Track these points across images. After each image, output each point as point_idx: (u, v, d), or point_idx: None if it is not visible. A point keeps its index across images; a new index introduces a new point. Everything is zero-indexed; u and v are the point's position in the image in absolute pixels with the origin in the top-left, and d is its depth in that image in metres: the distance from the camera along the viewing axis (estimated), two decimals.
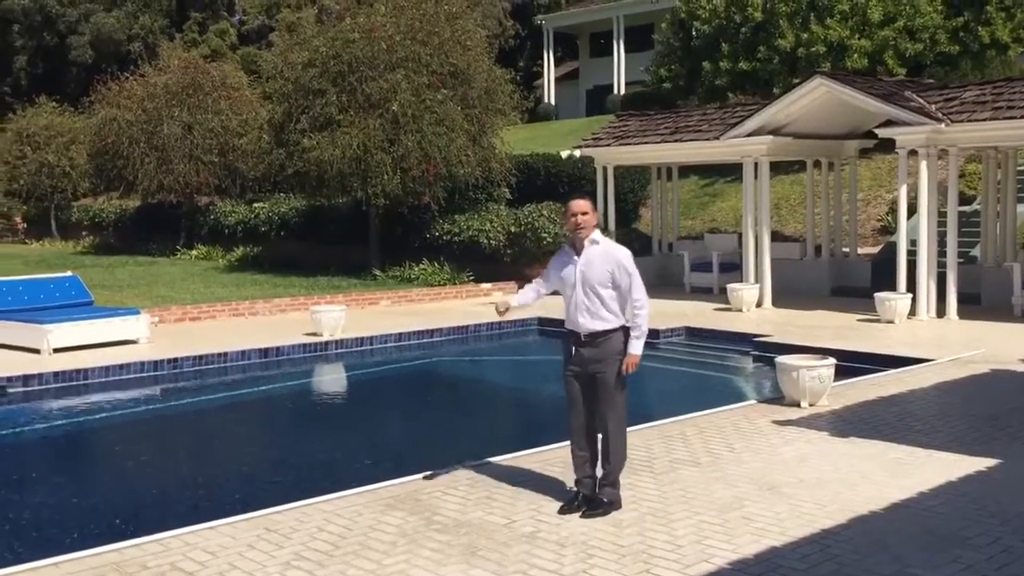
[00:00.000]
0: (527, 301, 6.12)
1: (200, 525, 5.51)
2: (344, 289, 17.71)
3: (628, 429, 7.62)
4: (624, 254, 5.66)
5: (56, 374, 10.63)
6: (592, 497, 5.65)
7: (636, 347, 5.62)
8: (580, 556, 4.93)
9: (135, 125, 25.90)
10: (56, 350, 11.56)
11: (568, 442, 5.84)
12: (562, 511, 5.60)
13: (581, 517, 5.52)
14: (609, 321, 5.61)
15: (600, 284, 5.59)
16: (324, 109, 18.71)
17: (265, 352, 12.20)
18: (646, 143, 17.55)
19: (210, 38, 47.05)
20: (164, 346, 12.14)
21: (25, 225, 37.42)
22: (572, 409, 5.75)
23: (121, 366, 11.07)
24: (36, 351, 11.59)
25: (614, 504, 5.64)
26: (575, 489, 5.75)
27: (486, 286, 18.13)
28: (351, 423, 9.86)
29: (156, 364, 11.33)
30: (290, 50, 20.48)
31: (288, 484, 7.22)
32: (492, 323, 14.67)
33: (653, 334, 13.33)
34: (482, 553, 5.00)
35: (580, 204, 5.65)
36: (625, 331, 5.64)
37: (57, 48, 49.01)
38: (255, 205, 25.53)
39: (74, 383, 10.66)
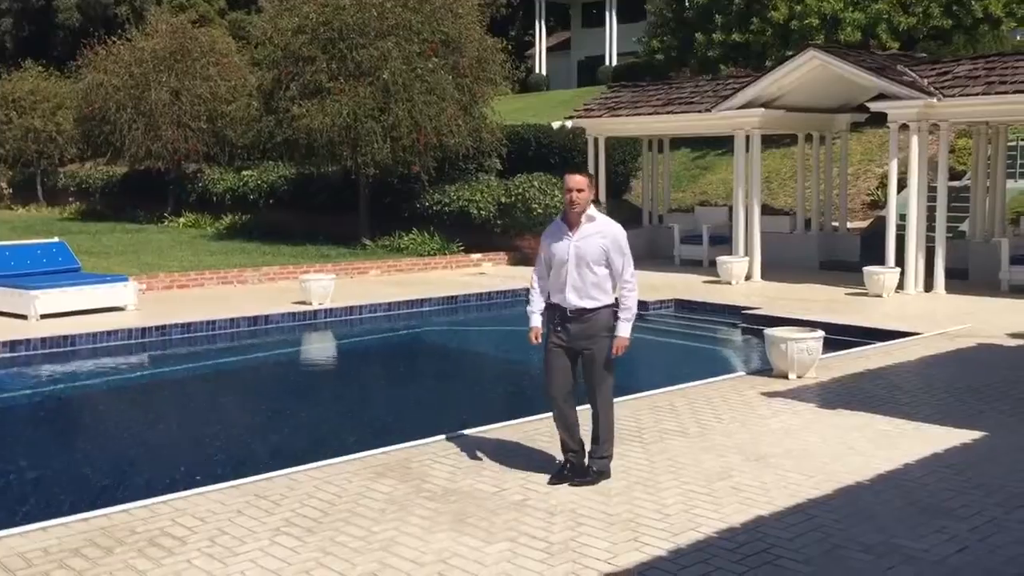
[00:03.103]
0: (543, 305, 5.81)
1: (189, 491, 5.52)
2: (333, 258, 17.66)
3: (617, 400, 7.67)
4: (620, 232, 5.59)
5: (43, 340, 10.59)
6: (581, 466, 5.66)
7: (624, 329, 5.54)
8: (569, 524, 4.96)
9: (122, 90, 25.62)
10: (43, 316, 11.51)
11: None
12: (552, 481, 5.60)
13: (570, 486, 5.53)
14: (598, 299, 5.53)
15: (594, 262, 5.50)
16: (314, 76, 18.56)
17: (254, 320, 12.17)
18: (638, 115, 17.48)
19: (198, 3, 46.39)
20: (151, 313, 12.09)
21: (11, 191, 37.09)
22: (553, 380, 5.63)
23: (108, 333, 11.03)
24: (23, 317, 11.53)
25: (603, 474, 5.66)
26: (563, 460, 5.74)
27: (476, 256, 18.10)
28: (340, 392, 9.86)
29: (144, 331, 11.29)
30: (280, 16, 20.25)
31: (277, 451, 7.23)
32: (481, 293, 14.68)
33: (643, 306, 13.37)
34: (471, 520, 5.02)
35: (576, 179, 5.52)
36: (612, 308, 5.57)
37: (43, 11, 48.35)
38: (244, 173, 25.37)
39: (61, 349, 10.62)
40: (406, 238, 19.26)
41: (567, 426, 5.67)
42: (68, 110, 31.13)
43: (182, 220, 26.09)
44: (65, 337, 10.73)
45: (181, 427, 8.32)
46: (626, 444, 6.42)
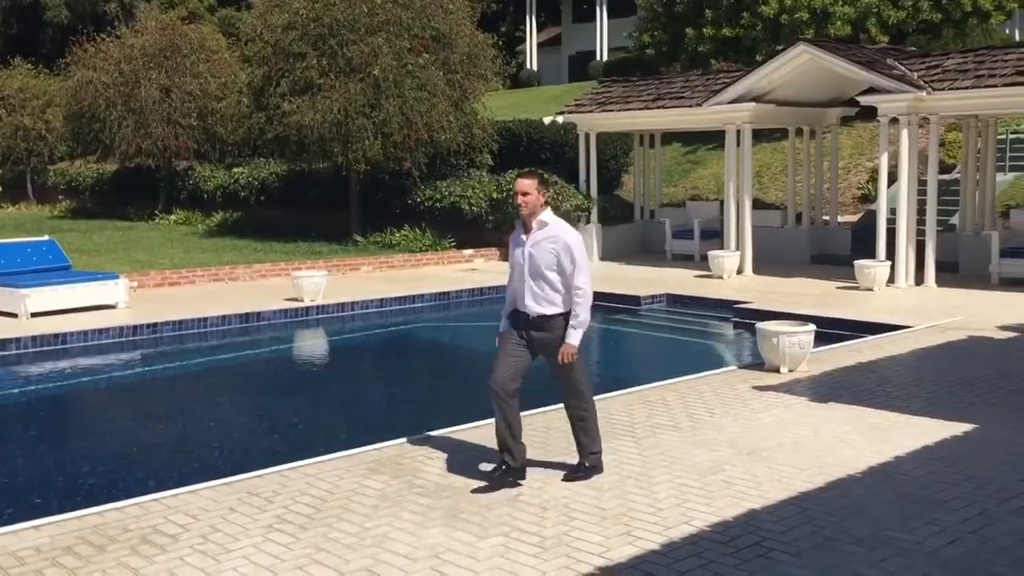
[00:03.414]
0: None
1: (181, 489, 5.51)
2: (325, 255, 17.63)
3: (610, 395, 7.70)
4: (573, 238, 5.42)
5: (33, 338, 10.56)
6: (518, 470, 5.51)
7: (573, 337, 5.39)
8: (561, 519, 4.97)
9: (112, 87, 25.52)
10: (33, 314, 11.46)
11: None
12: (479, 490, 5.38)
13: (563, 480, 5.53)
14: (557, 305, 5.41)
15: (546, 267, 5.37)
16: (304, 73, 18.50)
17: (246, 317, 12.15)
18: (628, 109, 17.48)
19: None
20: (143, 311, 12.06)
21: (0, 189, 36.92)
22: (497, 370, 5.43)
23: (100, 331, 11.00)
24: (13, 315, 11.49)
25: (595, 469, 5.65)
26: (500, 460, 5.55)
27: (468, 252, 18.09)
28: (332, 388, 9.85)
29: (135, 329, 11.26)
30: (269, 12, 20.16)
31: (269, 448, 7.22)
32: (473, 288, 14.68)
33: (635, 301, 13.46)
34: (464, 516, 5.03)
35: (521, 183, 5.41)
36: (564, 315, 5.43)
37: (32, 8, 48.11)
38: (235, 170, 25.29)
39: (52, 347, 10.59)
40: (398, 234, 19.24)
41: (507, 423, 5.46)
42: (58, 108, 30.99)
43: (173, 217, 26.01)
44: (56, 335, 10.69)
45: (173, 425, 8.30)
46: (618, 439, 6.43)
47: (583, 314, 5.41)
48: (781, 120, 16.98)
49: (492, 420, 6.90)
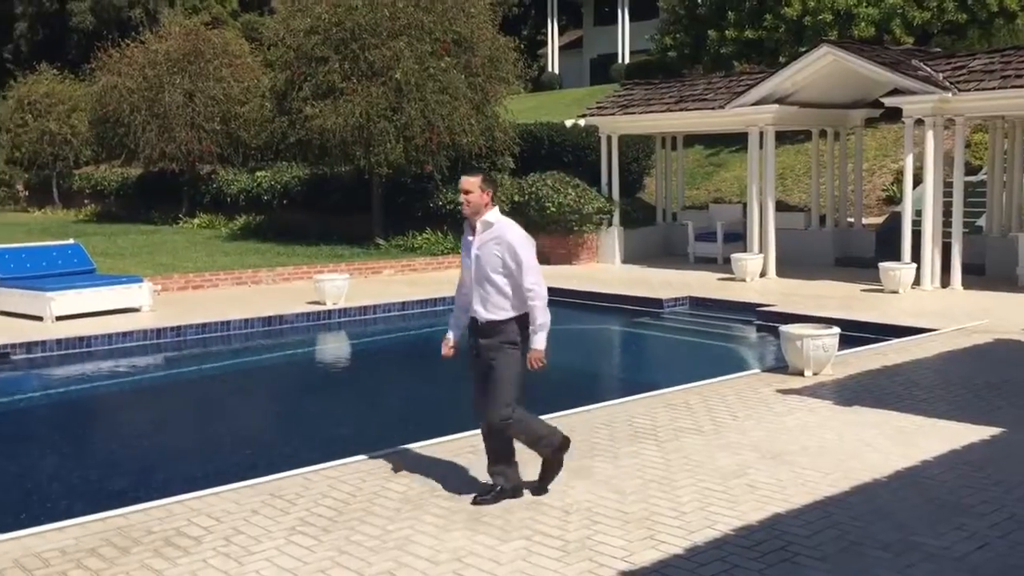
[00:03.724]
0: (464, 325, 5.49)
1: (204, 491, 5.52)
2: (347, 258, 17.68)
3: (632, 398, 7.66)
4: (515, 237, 5.11)
5: (59, 341, 10.64)
6: (511, 491, 5.30)
7: (537, 341, 5.10)
8: (584, 523, 4.94)
9: (136, 92, 25.77)
10: (59, 318, 11.56)
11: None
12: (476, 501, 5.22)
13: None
14: (505, 310, 5.13)
15: (492, 270, 5.11)
16: (327, 77, 18.59)
17: (268, 320, 12.19)
18: (651, 112, 17.43)
19: (211, 4, 46.61)
20: (167, 314, 12.13)
21: (27, 193, 37.36)
22: (474, 396, 5.38)
23: (124, 334, 11.07)
24: (39, 319, 11.59)
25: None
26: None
27: None
28: (354, 391, 9.86)
29: (159, 332, 11.33)
30: (292, 17, 20.28)
31: (292, 451, 7.24)
32: None
33: (656, 303, 13.40)
34: (486, 519, 5.01)
35: (464, 181, 5.16)
36: (520, 320, 5.15)
37: (58, 14, 48.64)
38: (257, 174, 25.45)
39: (76, 351, 10.67)
40: (419, 237, 19.27)
41: (527, 435, 5.32)
42: (83, 112, 31.32)
43: (196, 221, 26.20)
44: (81, 338, 10.78)
45: (196, 427, 8.34)
46: (641, 442, 6.39)
47: (540, 317, 5.10)
48: (805, 122, 16.87)
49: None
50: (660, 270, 16.72)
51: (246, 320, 12.00)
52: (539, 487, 5.37)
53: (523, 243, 5.13)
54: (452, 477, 5.71)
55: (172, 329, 11.44)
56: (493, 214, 5.21)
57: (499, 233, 5.14)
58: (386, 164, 18.56)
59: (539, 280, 5.12)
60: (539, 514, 5.07)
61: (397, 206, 20.41)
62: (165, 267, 16.29)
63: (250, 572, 4.41)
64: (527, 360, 5.14)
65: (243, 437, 7.93)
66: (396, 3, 18.82)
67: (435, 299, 13.88)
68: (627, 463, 5.90)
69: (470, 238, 5.26)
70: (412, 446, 6.34)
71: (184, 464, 7.09)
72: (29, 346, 10.45)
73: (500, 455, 5.30)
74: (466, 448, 6.29)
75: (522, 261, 5.08)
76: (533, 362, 5.14)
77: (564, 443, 5.37)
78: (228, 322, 11.84)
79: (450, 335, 5.60)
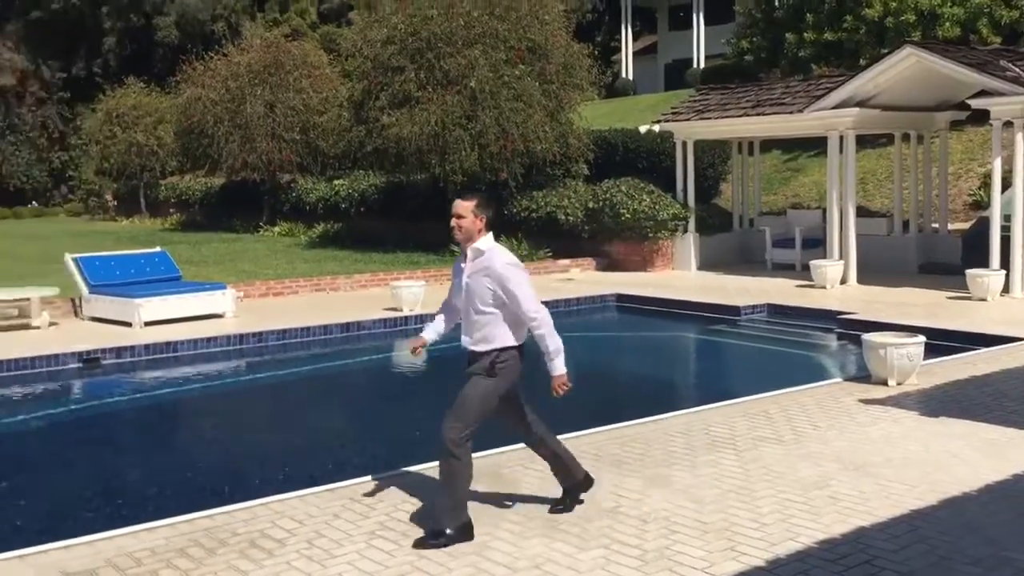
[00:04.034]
0: (441, 330, 5.36)
1: (287, 494, 5.63)
2: (423, 265, 17.86)
3: (707, 407, 7.58)
4: (502, 265, 4.83)
5: (147, 346, 10.98)
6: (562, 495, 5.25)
7: (556, 367, 4.93)
8: (662, 532, 4.91)
9: (219, 104, 26.47)
10: (147, 323, 11.92)
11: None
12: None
13: (413, 546, 4.74)
14: (491, 343, 4.92)
15: (482, 302, 4.88)
16: (403, 86, 18.84)
17: (346, 327, 12.39)
18: (727, 117, 17.23)
19: (291, 17, 47.70)
20: (249, 320, 12.42)
21: (115, 203, 38.64)
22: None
23: (208, 339, 11.37)
24: (128, 324, 11.97)
25: (452, 537, 4.76)
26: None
27: (564, 262, 18.08)
28: (431, 397, 9.95)
29: (241, 338, 11.60)
30: (369, 28, 20.64)
31: (372, 456, 7.34)
32: (569, 299, 14.66)
33: (733, 310, 13.23)
34: (563, 527, 5.01)
35: (457, 205, 4.90)
36: (505, 351, 4.93)
37: (144, 29, 50.29)
38: (335, 182, 25.89)
39: (163, 355, 10.99)
40: None
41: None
42: (168, 124, 32.31)
43: (277, 229, 26.76)
44: (168, 343, 11.10)
45: (277, 431, 8.52)
46: (719, 451, 6.32)
47: (551, 343, 4.92)
48: (887, 125, 16.49)
49: (588, 431, 6.88)
50: (736, 277, 16.51)
51: (325, 326, 12.21)
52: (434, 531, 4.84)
53: (511, 271, 4.85)
54: (528, 484, 5.72)
55: (254, 335, 11.70)
56: (485, 241, 4.93)
57: (488, 263, 4.86)
58: (461, 172, 18.72)
59: (538, 307, 4.90)
60: (617, 523, 5.05)
61: None
62: (247, 274, 16.68)
63: (332, 575, 4.48)
64: (552, 389, 4.94)
65: (323, 441, 8.07)
66: (471, 12, 18.99)
67: None
68: (705, 472, 5.84)
69: (462, 264, 5.01)
70: (488, 452, 6.37)
71: (267, 467, 7.25)
72: (119, 351, 10.81)
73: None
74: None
75: (515, 294, 4.83)
76: (558, 388, 4.94)
77: (466, 528, 4.85)
78: (308, 328, 12.07)
79: (423, 335, 5.34)
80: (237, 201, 30.16)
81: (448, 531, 4.78)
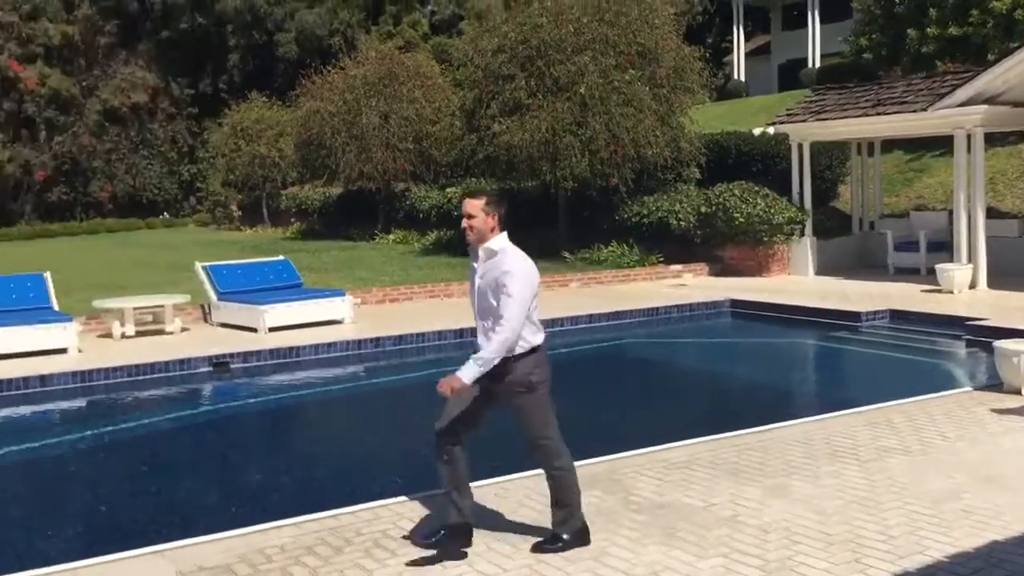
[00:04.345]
0: (489, 353, 4.71)
1: (406, 496, 5.77)
2: None
3: (827, 415, 7.39)
4: (509, 267, 4.57)
5: (271, 351, 11.39)
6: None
7: (465, 371, 4.51)
8: (784, 543, 4.83)
9: (336, 116, 27.22)
10: (271, 329, 12.37)
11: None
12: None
13: (531, 551, 4.75)
14: (514, 347, 4.64)
15: (492, 304, 4.66)
16: (513, 94, 19.01)
17: (460, 333, 12.55)
18: (845, 117, 16.76)
19: (404, 29, 48.67)
20: (366, 326, 12.74)
21: (240, 213, 40.14)
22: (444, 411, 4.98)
23: (329, 344, 11.72)
24: (253, 330, 12.44)
25: (566, 543, 4.76)
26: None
27: (676, 267, 17.91)
28: None
29: (360, 343, 11.92)
30: (480, 37, 20.92)
31: (486, 460, 7.43)
32: (682, 304, 14.51)
33: (854, 316, 12.85)
34: (680, 535, 4.99)
35: (467, 204, 4.67)
36: (532, 353, 4.68)
37: (266, 46, 52.14)
38: (448, 190, 26.29)
39: (287, 360, 11.38)
40: (605, 250, 19.33)
41: (449, 476, 4.94)
42: (289, 136, 33.39)
43: (391, 237, 27.33)
44: (291, 348, 11.49)
45: (396, 434, 8.72)
46: (841, 461, 6.17)
47: (490, 350, 4.51)
48: (1018, 122, 15.73)
49: (702, 439, 6.80)
50: (857, 282, 16.03)
51: (439, 332, 12.42)
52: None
53: (518, 272, 4.57)
54: (644, 490, 5.71)
55: (371, 340, 12.00)
56: (498, 240, 4.68)
57: (499, 263, 4.61)
58: (571, 178, 18.76)
59: (517, 315, 4.51)
60: (736, 532, 5.00)
61: (582, 219, 20.57)
62: (364, 281, 17.10)
63: None
64: (442, 379, 4.55)
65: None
66: (580, 19, 19.03)
67: (622, 311, 13.89)
68: (827, 483, 5.72)
69: (475, 266, 4.79)
70: (604, 458, 6.39)
71: (387, 469, 7.43)
72: (246, 355, 11.25)
73: (562, 498, 4.80)
74: (658, 462, 6.28)
75: (510, 292, 4.51)
76: (443, 384, 4.53)
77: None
78: (423, 334, 12.30)
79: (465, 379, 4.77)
80: (354, 210, 30.93)
81: (565, 536, 4.79)
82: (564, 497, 4.82)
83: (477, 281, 4.73)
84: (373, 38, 43.45)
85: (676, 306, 14.44)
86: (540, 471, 5.02)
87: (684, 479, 5.91)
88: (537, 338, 4.72)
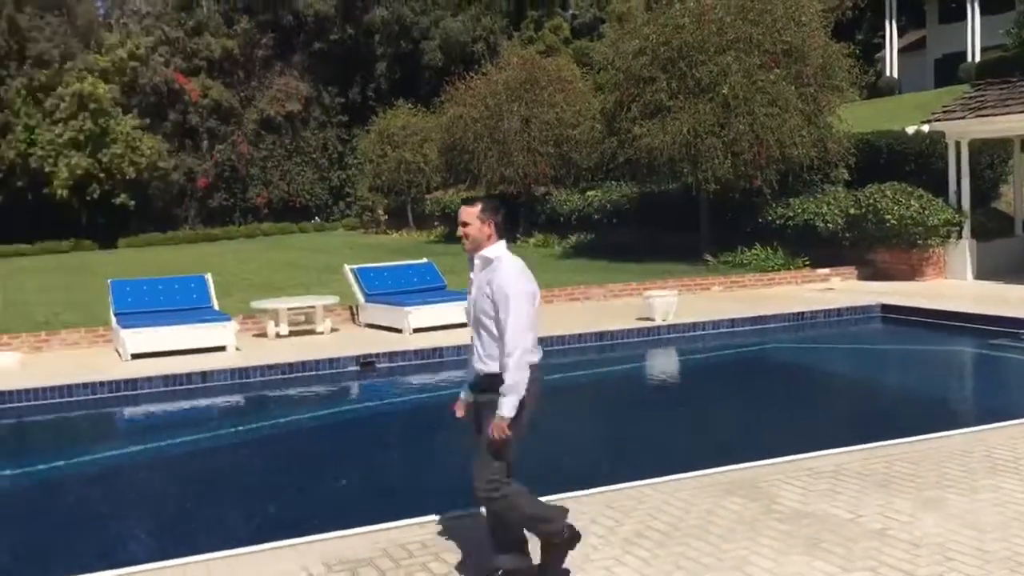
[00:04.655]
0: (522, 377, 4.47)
1: (542, 498, 5.80)
2: (675, 274, 17.77)
3: (986, 427, 7.02)
4: (508, 278, 4.30)
5: (416, 351, 11.70)
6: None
7: (504, 406, 4.25)
8: (936, 559, 4.63)
9: (479, 121, 27.67)
10: (415, 330, 12.70)
11: None
12: None
13: None
14: (499, 360, 4.37)
15: (484, 315, 4.37)
16: (654, 96, 18.88)
17: (600, 336, 12.58)
18: (1008, 113, 15.87)
19: (545, 34, 49.02)
20: None
21: (386, 217, 41.33)
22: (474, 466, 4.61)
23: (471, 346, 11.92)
24: (398, 331, 12.81)
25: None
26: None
27: (823, 271, 17.36)
28: (683, 407, 9.91)
29: None
30: (621, 40, 20.85)
31: (624, 464, 7.43)
32: (829, 309, 14.07)
33: (1017, 323, 12.14)
34: (826, 546, 4.86)
35: (462, 212, 4.44)
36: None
37: (411, 54, 53.57)
38: (588, 193, 26.32)
39: (430, 360, 11.66)
40: (748, 253, 18.94)
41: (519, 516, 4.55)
42: (433, 142, 34.16)
43: (532, 240, 27.57)
44: (434, 349, 11.77)
45: (535, 436, 8.80)
46: (1001, 475, 5.86)
47: (510, 375, 4.24)
48: None
49: (849, 448, 6.59)
50: (1019, 286, 15.14)
51: (579, 335, 12.46)
52: None
53: (510, 281, 4.32)
54: (787, 498, 5.59)
55: None
56: (494, 249, 4.43)
57: (494, 273, 4.36)
58: (714, 180, 18.47)
59: (519, 330, 4.26)
60: (885, 545, 4.83)
61: (725, 222, 20.21)
62: None
63: None
64: (490, 428, 4.30)
65: (576, 447, 8.25)
66: (723, 18, 18.72)
67: (766, 316, 13.59)
68: (985, 497, 5.45)
69: (471, 275, 4.55)
70: (748, 465, 6.28)
71: (522, 469, 7.51)
72: (391, 355, 11.60)
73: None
74: (803, 471, 6.13)
75: (510, 307, 4.26)
76: (495, 431, 4.27)
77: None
78: (563, 336, 12.37)
79: (463, 394, 4.80)
80: None
81: (503, 570, 4.49)
82: (499, 528, 4.46)
83: (472, 291, 4.50)
84: (515, 43, 43.92)
85: (822, 311, 14.00)
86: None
87: (830, 489, 5.75)
88: (530, 357, 4.39)
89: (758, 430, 8.59)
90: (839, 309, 14.10)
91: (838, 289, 16.21)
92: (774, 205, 19.10)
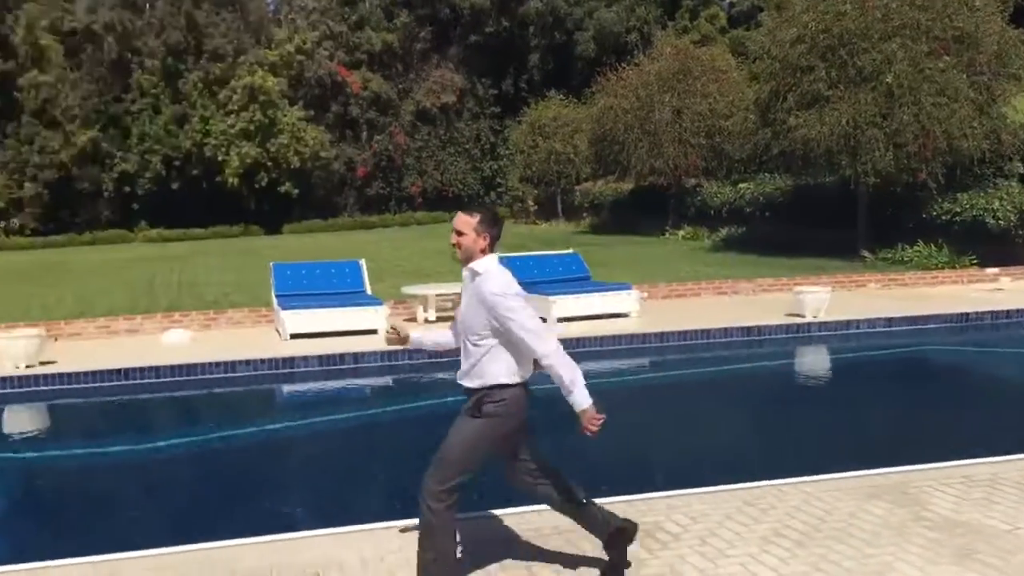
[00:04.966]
0: (440, 341, 4.74)
1: (682, 491, 5.79)
2: (828, 270, 17.20)
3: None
4: (490, 293, 4.14)
5: (564, 341, 11.75)
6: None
7: (578, 400, 4.20)
8: None
9: (630, 112, 27.55)
10: (559, 320, 12.79)
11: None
12: None
13: None
14: (483, 377, 4.25)
15: (473, 331, 4.25)
16: (812, 86, 18.31)
17: (747, 331, 12.33)
18: None
19: (701, 23, 48.15)
20: (651, 320, 12.84)
21: (536, 207, 41.70)
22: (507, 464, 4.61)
23: (613, 337, 11.94)
24: (543, 320, 12.91)
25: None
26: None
27: (992, 271, 16.41)
28: (831, 407, 9.60)
29: (644, 337, 12.03)
30: (778, 28, 20.30)
31: (766, 461, 7.28)
32: (997, 311, 13.29)
33: None
34: (979, 557, 4.63)
35: (458, 219, 4.27)
36: (499, 390, 4.24)
37: (564, 45, 53.68)
38: (740, 186, 25.78)
39: (572, 351, 11.60)
40: (909, 250, 18.11)
41: (558, 497, 4.57)
42: (583, 133, 34.22)
43: (681, 233, 27.25)
44: (577, 340, 11.83)
45: (674, 429, 8.74)
46: None
47: (566, 374, 4.19)
48: None
49: (1005, 457, 6.23)
50: None
51: (725, 329, 12.26)
52: None
53: (504, 295, 4.15)
54: (939, 505, 5.35)
55: (656, 335, 12.07)
56: (483, 263, 4.27)
57: (481, 286, 4.21)
58: (874, 173, 17.76)
59: (543, 343, 4.19)
60: None
61: (885, 217, 19.38)
62: (651, 276, 17.20)
63: (724, 575, 4.56)
64: (581, 427, 4.25)
65: (719, 442, 8.15)
66: (888, 4, 17.94)
67: (925, 316, 12.97)
68: None
69: (462, 288, 4.48)
70: (897, 469, 6.04)
71: (661, 462, 7.49)
72: None
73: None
74: (957, 478, 5.85)
75: (510, 329, 4.15)
76: (587, 425, 4.22)
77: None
78: (708, 331, 12.20)
79: (415, 334, 4.85)
80: (644, 205, 31.15)
81: None
82: (429, 545, 4.23)
83: (464, 299, 4.39)
84: (669, 33, 43.35)
85: (989, 312, 13.25)
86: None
87: (986, 498, 5.47)
88: (512, 377, 4.30)
89: (909, 434, 8.25)
90: (1008, 311, 13.31)
91: (1008, 290, 15.28)
92: (940, 200, 18.19)
